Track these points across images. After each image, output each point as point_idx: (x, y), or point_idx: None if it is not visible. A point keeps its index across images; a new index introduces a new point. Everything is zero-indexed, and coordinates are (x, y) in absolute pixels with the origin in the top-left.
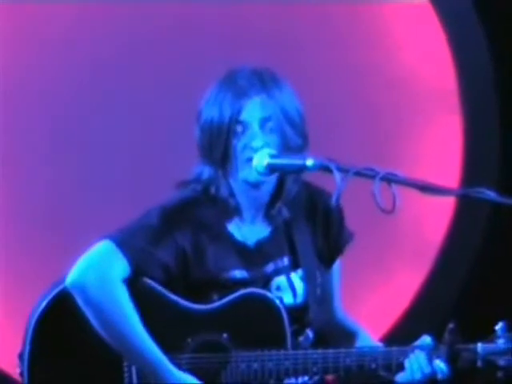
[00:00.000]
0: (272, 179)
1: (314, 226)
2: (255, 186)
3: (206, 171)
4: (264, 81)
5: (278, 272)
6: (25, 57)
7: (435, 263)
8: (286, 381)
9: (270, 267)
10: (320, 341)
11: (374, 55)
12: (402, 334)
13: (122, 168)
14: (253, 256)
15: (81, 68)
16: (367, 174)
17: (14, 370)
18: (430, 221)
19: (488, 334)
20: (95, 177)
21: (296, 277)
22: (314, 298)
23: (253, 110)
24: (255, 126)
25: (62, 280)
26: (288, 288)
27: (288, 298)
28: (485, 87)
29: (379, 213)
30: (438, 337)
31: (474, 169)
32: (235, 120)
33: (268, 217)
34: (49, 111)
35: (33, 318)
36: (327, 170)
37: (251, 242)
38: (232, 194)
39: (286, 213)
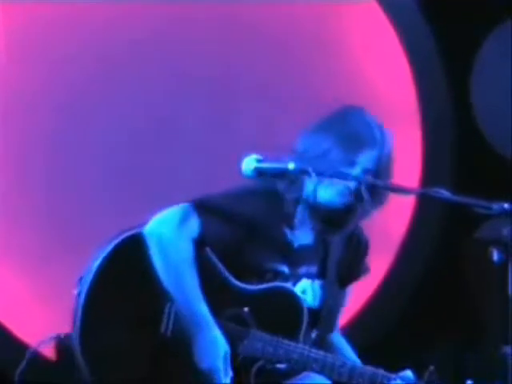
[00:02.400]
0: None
1: (346, 250)
2: (336, 209)
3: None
4: (382, 134)
5: (307, 276)
6: (26, 57)
7: (398, 253)
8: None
9: (303, 270)
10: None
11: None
12: (369, 315)
13: (129, 166)
14: (294, 256)
15: (83, 68)
16: (340, 176)
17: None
18: (393, 216)
19: (441, 314)
20: (103, 175)
21: (317, 284)
22: (326, 307)
23: (365, 161)
24: (358, 168)
25: (129, 229)
26: (310, 291)
27: (308, 300)
28: (440, 96)
29: None
30: (402, 320)
31: (431, 171)
32: (347, 161)
33: (315, 229)
34: (52, 111)
35: (101, 254)
36: (306, 172)
37: (296, 244)
38: (297, 201)
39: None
